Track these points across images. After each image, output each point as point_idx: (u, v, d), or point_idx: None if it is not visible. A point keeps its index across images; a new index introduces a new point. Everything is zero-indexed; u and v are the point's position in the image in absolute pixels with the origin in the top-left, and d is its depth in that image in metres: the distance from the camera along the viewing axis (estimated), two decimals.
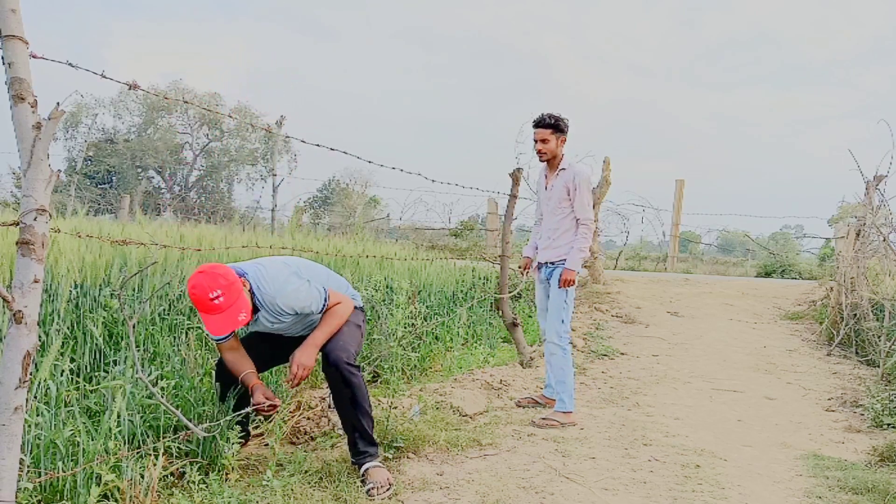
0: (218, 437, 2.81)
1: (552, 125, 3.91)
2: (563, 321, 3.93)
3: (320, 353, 2.86)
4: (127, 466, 2.38)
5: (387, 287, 5.53)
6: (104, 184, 29.36)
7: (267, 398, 2.81)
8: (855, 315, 6.43)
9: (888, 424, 4.06)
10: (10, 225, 1.81)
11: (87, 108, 31.10)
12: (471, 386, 4.45)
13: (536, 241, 4.24)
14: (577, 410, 4.14)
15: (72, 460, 2.36)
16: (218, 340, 2.87)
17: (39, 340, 2.87)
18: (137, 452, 2.51)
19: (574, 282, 3.89)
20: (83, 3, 58.23)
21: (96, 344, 3.26)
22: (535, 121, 3.95)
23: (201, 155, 33.76)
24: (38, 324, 1.71)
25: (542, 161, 4.05)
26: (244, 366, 2.89)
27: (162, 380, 3.05)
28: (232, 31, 63.58)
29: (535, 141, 3.96)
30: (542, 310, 4.18)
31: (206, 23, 63.41)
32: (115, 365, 3.14)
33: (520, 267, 4.42)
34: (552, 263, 4.02)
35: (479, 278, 7.48)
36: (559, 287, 3.92)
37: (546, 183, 4.10)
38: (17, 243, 1.66)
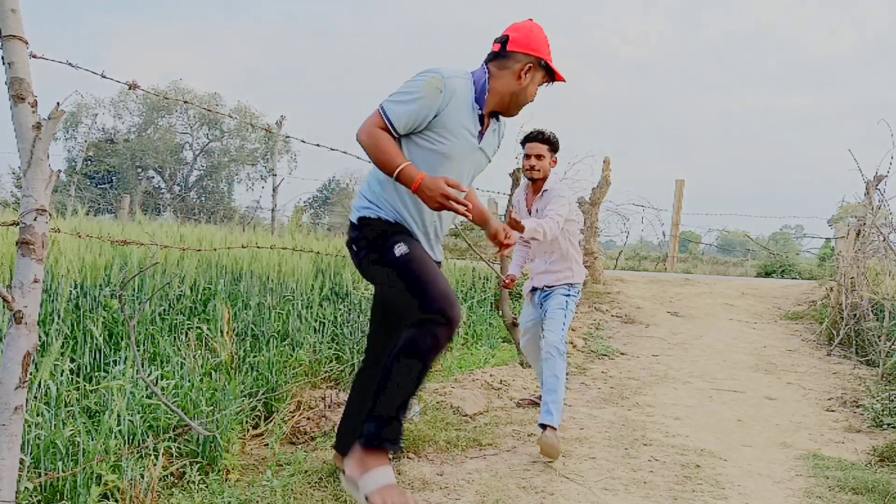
0: (218, 437, 2.81)
1: (550, 142, 3.60)
2: (563, 328, 3.64)
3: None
4: (127, 466, 2.39)
5: None
6: (104, 184, 29.37)
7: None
8: (855, 315, 6.43)
9: (888, 424, 4.06)
10: (10, 225, 1.81)
11: (87, 108, 31.13)
12: (471, 386, 4.45)
13: (524, 259, 4.00)
14: (577, 410, 4.14)
15: (72, 460, 2.36)
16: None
17: (39, 340, 2.87)
18: (137, 453, 2.51)
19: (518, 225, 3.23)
20: (83, 3, 58.24)
21: (96, 344, 3.26)
22: (530, 135, 3.62)
23: (201, 155, 33.77)
24: (39, 324, 1.71)
25: (532, 178, 3.63)
26: (401, 156, 2.12)
27: (162, 380, 3.05)
28: (232, 31, 63.58)
29: (528, 156, 3.59)
30: (527, 329, 3.92)
31: (206, 23, 63.42)
32: (116, 365, 3.14)
33: (503, 285, 4.06)
34: (549, 287, 3.72)
35: (479, 278, 7.48)
36: (564, 296, 3.68)
37: (529, 206, 3.71)
38: (17, 243, 1.66)
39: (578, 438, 3.62)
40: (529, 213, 3.67)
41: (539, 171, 3.57)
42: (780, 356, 6.28)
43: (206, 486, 2.59)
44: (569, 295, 3.70)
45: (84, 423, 2.48)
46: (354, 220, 2.25)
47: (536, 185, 3.65)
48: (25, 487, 2.09)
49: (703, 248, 19.73)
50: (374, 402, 2.05)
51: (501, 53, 2.25)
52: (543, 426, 3.31)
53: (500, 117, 2.39)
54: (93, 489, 2.23)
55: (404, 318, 2.10)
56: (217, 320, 3.81)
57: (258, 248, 4.21)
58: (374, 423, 2.03)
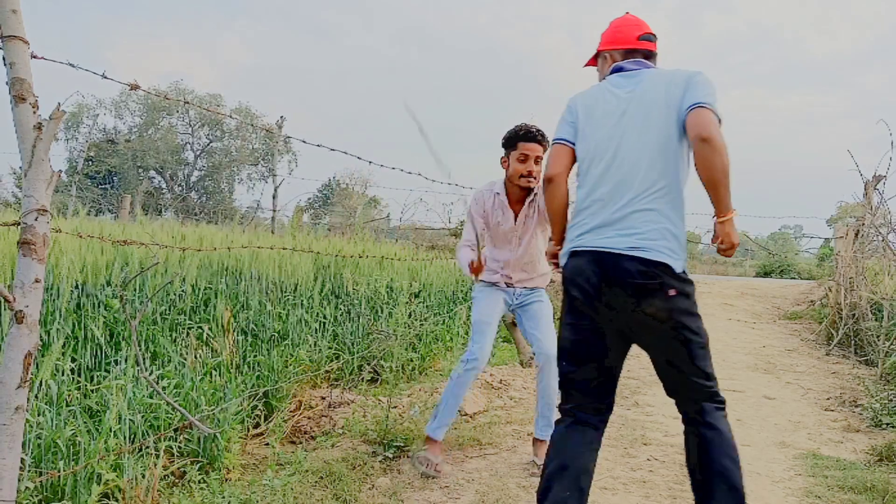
0: (219, 436, 2.82)
1: (547, 141, 3.03)
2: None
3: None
4: (127, 465, 2.39)
5: (387, 287, 5.54)
6: (105, 184, 29.40)
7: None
8: (854, 315, 6.43)
9: (887, 424, 4.06)
10: (12, 225, 1.82)
11: (88, 109, 31.19)
12: (470, 385, 4.46)
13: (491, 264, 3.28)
14: None
15: (73, 460, 2.37)
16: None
17: (41, 340, 2.88)
18: (138, 452, 2.52)
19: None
20: (84, 3, 58.25)
21: (97, 344, 3.27)
22: (527, 133, 3.03)
23: (202, 155, 33.79)
24: (40, 323, 1.72)
25: (530, 187, 3.08)
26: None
27: (162, 379, 3.06)
28: (232, 31, 63.58)
29: (526, 158, 3.01)
30: (488, 324, 3.22)
31: (206, 23, 63.42)
32: (117, 365, 3.15)
33: (473, 268, 3.08)
34: (529, 289, 3.29)
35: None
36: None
37: (515, 215, 3.16)
38: (18, 243, 1.67)
39: None
40: (517, 222, 3.16)
41: (536, 178, 3.05)
42: (779, 356, 6.29)
43: (207, 486, 2.59)
44: (542, 300, 3.32)
45: (85, 423, 2.49)
46: (678, 269, 2.06)
47: (522, 192, 3.14)
48: (26, 487, 2.10)
49: (702, 248, 19.74)
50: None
51: (655, 52, 2.37)
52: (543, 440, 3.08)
53: None
54: (93, 488, 2.24)
55: (689, 389, 2.15)
56: (217, 320, 3.82)
57: (258, 248, 4.22)
58: None
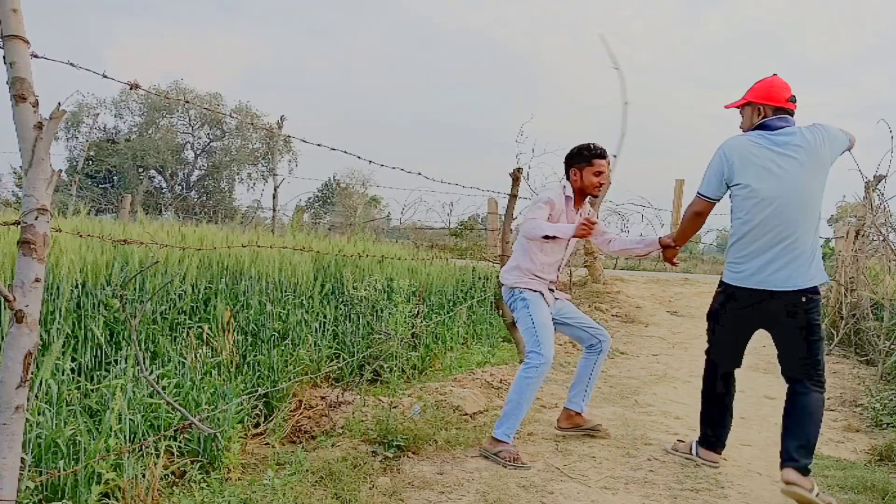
0: (219, 435, 2.82)
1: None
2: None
3: None
4: (128, 465, 2.40)
5: (387, 287, 5.54)
6: (105, 183, 29.39)
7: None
8: (854, 315, 6.43)
9: (887, 424, 4.06)
10: (12, 224, 1.82)
11: (88, 108, 31.15)
12: (471, 385, 4.46)
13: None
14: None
15: (73, 459, 2.37)
16: None
17: (41, 340, 2.88)
18: (138, 451, 2.52)
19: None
20: (84, 3, 58.21)
21: (97, 343, 3.27)
22: (601, 152, 3.49)
23: (202, 155, 33.80)
24: (40, 323, 1.72)
25: (596, 195, 3.60)
26: None
27: (162, 379, 3.06)
28: (232, 31, 63.49)
29: (600, 173, 3.48)
30: (552, 328, 3.50)
31: (206, 23, 63.33)
32: (117, 364, 3.15)
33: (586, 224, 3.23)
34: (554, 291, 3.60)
35: (479, 278, 7.49)
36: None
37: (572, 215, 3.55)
38: (18, 243, 1.67)
39: (578, 437, 3.62)
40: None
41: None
42: None
43: (207, 485, 2.60)
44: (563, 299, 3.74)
45: (85, 423, 2.49)
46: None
47: (582, 199, 3.59)
48: (27, 486, 2.10)
49: (702, 247, 19.74)
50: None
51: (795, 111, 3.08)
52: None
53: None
54: (93, 488, 2.24)
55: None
56: (217, 320, 3.82)
57: (259, 247, 4.21)
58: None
